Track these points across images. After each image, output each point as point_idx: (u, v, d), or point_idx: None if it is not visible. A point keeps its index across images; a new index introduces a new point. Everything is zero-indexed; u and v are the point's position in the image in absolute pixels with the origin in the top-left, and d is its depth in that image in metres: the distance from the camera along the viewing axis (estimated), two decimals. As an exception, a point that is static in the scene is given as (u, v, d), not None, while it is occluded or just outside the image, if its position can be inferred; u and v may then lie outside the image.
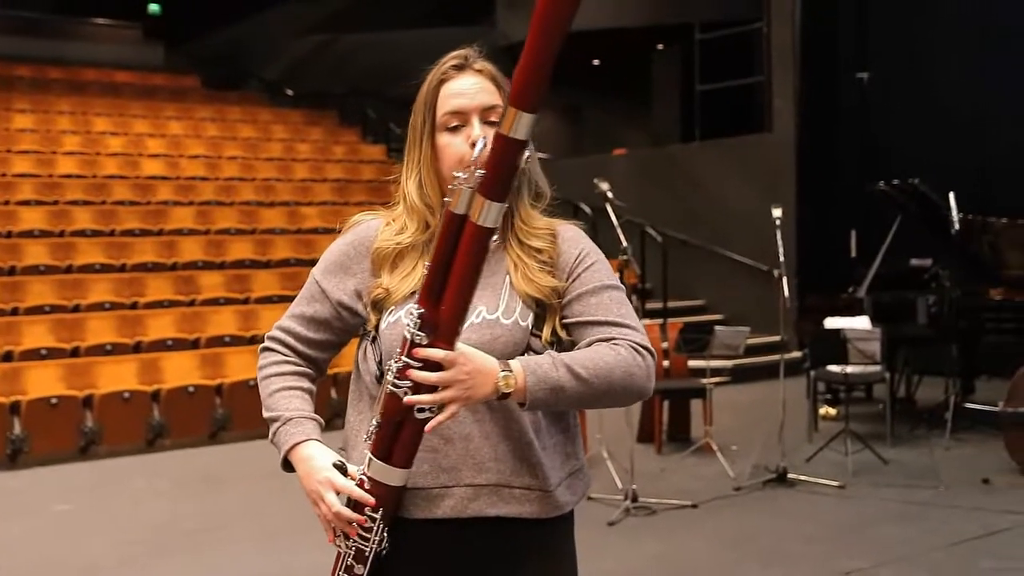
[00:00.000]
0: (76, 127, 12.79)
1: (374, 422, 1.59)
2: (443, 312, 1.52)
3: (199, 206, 11.22)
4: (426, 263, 1.56)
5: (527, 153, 1.50)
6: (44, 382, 7.47)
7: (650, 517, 5.46)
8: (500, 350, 1.64)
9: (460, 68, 1.73)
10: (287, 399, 1.75)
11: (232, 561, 4.95)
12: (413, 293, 1.68)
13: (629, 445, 5.83)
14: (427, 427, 1.54)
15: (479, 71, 1.74)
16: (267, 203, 11.78)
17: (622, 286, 1.77)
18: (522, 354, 1.68)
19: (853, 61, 11.10)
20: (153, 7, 19.03)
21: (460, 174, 1.51)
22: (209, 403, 7.82)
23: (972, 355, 7.75)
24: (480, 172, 1.50)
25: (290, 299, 7.79)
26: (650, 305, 10.61)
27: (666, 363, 7.63)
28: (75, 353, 8.07)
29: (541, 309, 1.71)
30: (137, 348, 8.35)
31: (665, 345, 7.43)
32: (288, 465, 1.72)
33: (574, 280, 1.73)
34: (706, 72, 12.37)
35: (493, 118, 1.70)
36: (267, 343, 1.83)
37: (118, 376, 7.76)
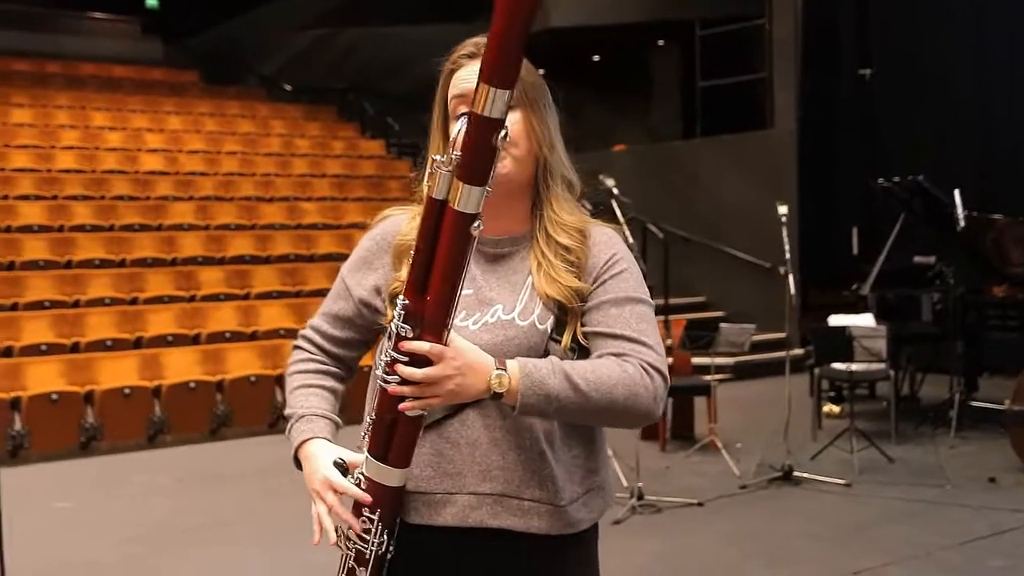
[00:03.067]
0: (75, 122, 12.73)
1: (368, 420, 1.54)
2: (429, 303, 1.45)
3: (198, 201, 11.17)
4: (411, 252, 1.51)
5: (503, 132, 1.41)
6: (44, 378, 7.43)
7: (656, 515, 5.44)
8: (514, 352, 1.57)
9: (472, 56, 1.66)
10: (304, 396, 1.72)
11: (234, 559, 4.92)
12: None
13: (633, 443, 5.80)
14: (401, 406, 1.47)
15: None
16: (267, 198, 11.73)
17: (650, 301, 1.67)
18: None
19: (855, 57, 11.07)
20: (151, 1, 18.97)
21: (438, 157, 1.43)
22: (210, 399, 7.79)
23: (976, 353, 7.73)
24: (456, 154, 1.42)
25: (289, 295, 7.85)
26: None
27: (669, 360, 7.60)
28: (75, 349, 8.03)
29: (562, 313, 1.63)
30: (137, 344, 8.31)
31: (669, 343, 7.40)
32: (299, 461, 1.69)
33: (599, 286, 1.65)
34: (707, 68, 12.35)
35: None
36: (297, 341, 1.81)
37: (119, 372, 7.72)
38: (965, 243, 7.69)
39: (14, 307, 8.42)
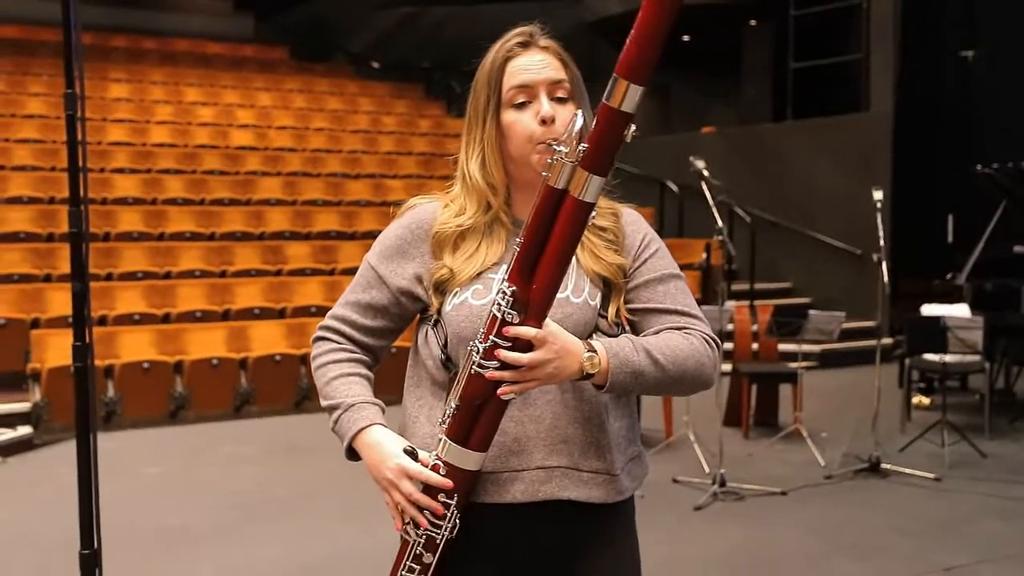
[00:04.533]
0: (169, 97, 13.01)
1: (453, 404, 1.54)
2: (535, 290, 1.48)
3: (286, 177, 11.34)
4: (517, 240, 1.51)
5: (632, 127, 1.45)
6: (137, 347, 7.63)
7: (738, 503, 5.36)
8: (571, 329, 1.59)
9: (525, 45, 1.69)
10: (346, 385, 1.70)
11: (321, 531, 5.00)
12: (479, 274, 1.66)
13: (716, 429, 5.73)
14: (500, 391, 1.50)
15: (544, 48, 1.69)
16: (353, 175, 11.85)
17: (684, 275, 1.76)
18: (591, 334, 1.65)
19: (958, 38, 10.71)
20: (244, -21, 19.23)
21: (561, 148, 1.46)
22: (295, 372, 7.92)
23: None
24: (583, 146, 1.45)
25: None
26: (736, 287, 10.44)
27: (755, 346, 7.48)
28: (166, 319, 8.23)
29: (607, 288, 1.69)
30: (226, 316, 8.47)
31: (755, 328, 7.28)
32: (353, 453, 1.68)
33: (640, 264, 1.72)
34: (800, 49, 12.07)
35: (560, 93, 1.67)
36: (320, 332, 1.77)
37: (207, 343, 7.89)
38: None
39: (109, 277, 8.65)
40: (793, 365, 6.83)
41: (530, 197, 1.64)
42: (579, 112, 1.52)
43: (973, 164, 8.15)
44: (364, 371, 1.73)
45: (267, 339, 8.15)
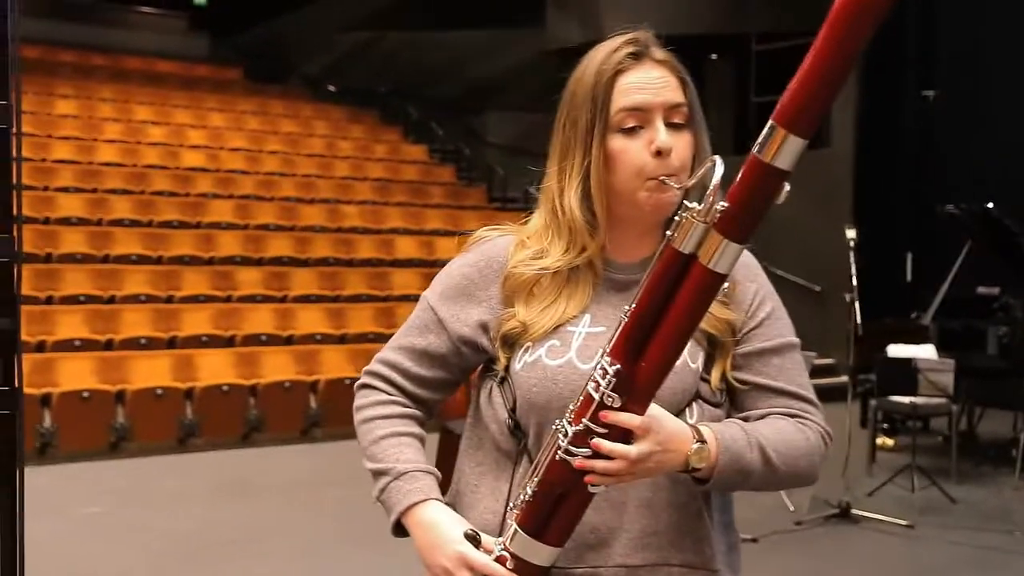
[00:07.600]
0: (118, 115, 12.65)
1: (529, 490, 1.29)
2: (643, 369, 1.24)
3: (238, 200, 11.03)
4: (626, 308, 1.25)
5: (787, 187, 1.22)
6: (76, 374, 7.27)
7: (707, 550, 5.15)
8: (667, 398, 1.33)
9: (637, 56, 1.40)
10: (396, 448, 1.44)
11: (267, 574, 4.71)
12: (557, 328, 1.40)
13: (684, 471, 5.52)
14: (590, 481, 1.26)
15: (661, 62, 1.41)
16: (307, 200, 11.57)
17: (799, 341, 1.50)
18: (690, 402, 1.39)
19: (919, 77, 10.74)
20: (198, -2, 18.95)
21: (695, 204, 1.21)
22: (243, 403, 7.60)
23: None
24: (722, 204, 1.20)
25: (327, 299, 7.47)
26: (696, 321, 10.31)
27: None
28: (108, 346, 7.87)
29: (711, 347, 1.42)
30: (171, 343, 8.14)
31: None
32: (401, 529, 1.42)
33: (755, 326, 1.45)
34: (762, 83, 12.05)
35: (677, 119, 1.39)
36: (367, 379, 1.52)
37: (151, 372, 7.56)
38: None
39: (49, 300, 8.27)
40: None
41: (625, 237, 1.42)
42: (718, 159, 1.25)
43: (932, 203, 8.10)
44: (416, 429, 1.49)
45: (214, 368, 7.83)
